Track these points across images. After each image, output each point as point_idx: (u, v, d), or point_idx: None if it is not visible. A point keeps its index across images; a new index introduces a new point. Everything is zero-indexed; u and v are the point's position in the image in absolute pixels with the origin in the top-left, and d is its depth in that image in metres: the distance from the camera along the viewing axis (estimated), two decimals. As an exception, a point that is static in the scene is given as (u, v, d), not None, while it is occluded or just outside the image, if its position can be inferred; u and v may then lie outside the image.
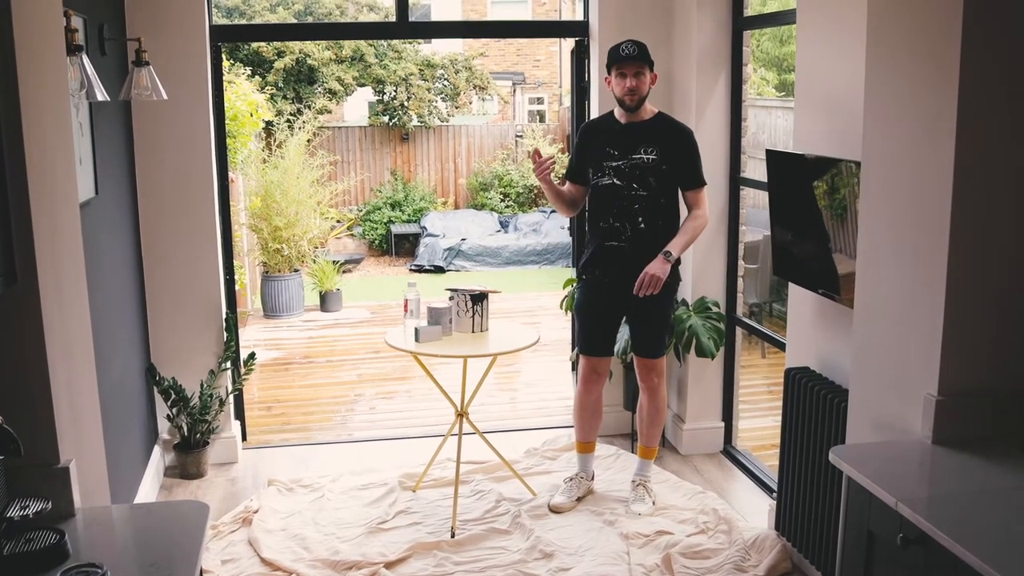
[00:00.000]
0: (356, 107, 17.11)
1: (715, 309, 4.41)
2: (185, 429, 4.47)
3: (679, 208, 3.93)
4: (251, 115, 7.77)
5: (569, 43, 5.52)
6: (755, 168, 4.53)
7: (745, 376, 5.49)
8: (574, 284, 4.50)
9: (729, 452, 4.65)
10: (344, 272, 9.81)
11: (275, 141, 9.73)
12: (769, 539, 3.62)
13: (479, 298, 4.08)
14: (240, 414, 4.90)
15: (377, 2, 15.00)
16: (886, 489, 2.09)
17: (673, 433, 4.77)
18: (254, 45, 12.96)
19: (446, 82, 14.34)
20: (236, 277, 4.94)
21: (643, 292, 3.71)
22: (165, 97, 3.72)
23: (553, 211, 12.49)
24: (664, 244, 3.77)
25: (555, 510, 4.01)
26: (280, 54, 13.10)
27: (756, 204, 6.16)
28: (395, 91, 13.80)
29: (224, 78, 5.09)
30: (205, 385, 4.49)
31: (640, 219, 3.82)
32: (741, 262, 4.58)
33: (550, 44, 18.11)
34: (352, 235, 12.91)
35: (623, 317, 4.03)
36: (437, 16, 17.55)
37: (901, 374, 2.47)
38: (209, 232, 4.49)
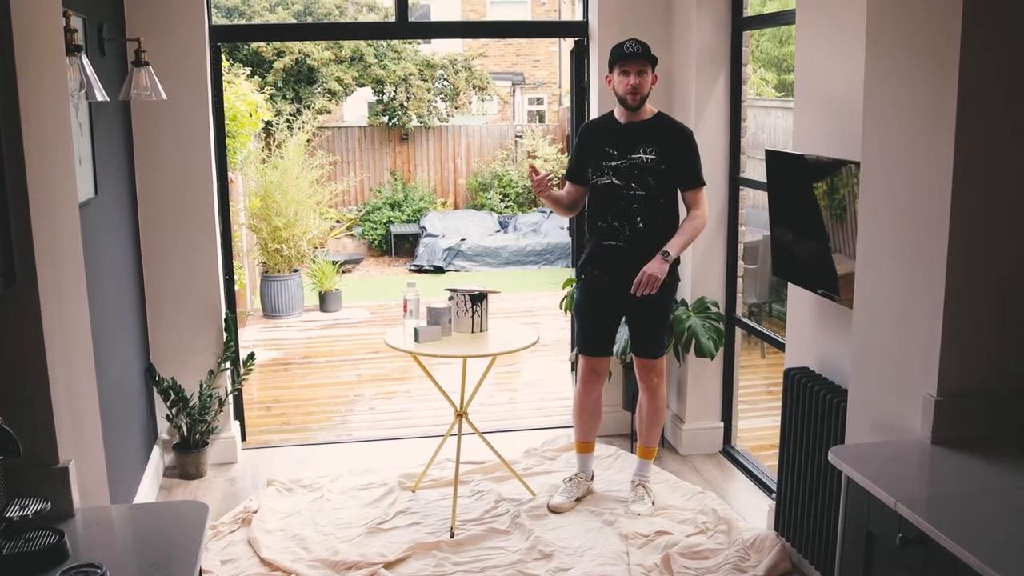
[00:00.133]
0: (356, 107, 17.10)
1: (714, 309, 4.41)
2: (184, 429, 4.47)
3: (678, 208, 3.93)
4: (250, 115, 7.77)
5: (568, 43, 5.52)
6: (755, 168, 4.53)
7: (744, 376, 5.49)
8: (573, 284, 4.50)
9: (728, 452, 4.65)
10: (343, 272, 9.81)
11: (274, 141, 9.73)
12: (768, 539, 3.62)
13: (478, 298, 4.08)
14: (239, 414, 4.90)
15: (377, 2, 14.99)
16: (885, 489, 2.09)
17: (672, 433, 4.77)
18: (253, 45, 12.95)
19: (446, 82, 14.33)
20: (235, 277, 4.94)
21: (640, 292, 3.71)
22: (164, 97, 3.72)
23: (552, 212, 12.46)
24: (663, 244, 3.77)
25: (554, 510, 4.01)
26: (279, 54, 13.10)
27: (756, 204, 6.16)
28: (394, 91, 13.79)
29: (223, 78, 5.08)
30: (204, 385, 4.49)
31: (639, 219, 3.82)
32: (741, 262, 4.58)
33: (549, 44, 18.09)
34: (351, 235, 12.91)
35: (622, 317, 4.02)
36: (436, 16, 17.54)
37: (900, 374, 2.47)
38: (208, 232, 4.49)
